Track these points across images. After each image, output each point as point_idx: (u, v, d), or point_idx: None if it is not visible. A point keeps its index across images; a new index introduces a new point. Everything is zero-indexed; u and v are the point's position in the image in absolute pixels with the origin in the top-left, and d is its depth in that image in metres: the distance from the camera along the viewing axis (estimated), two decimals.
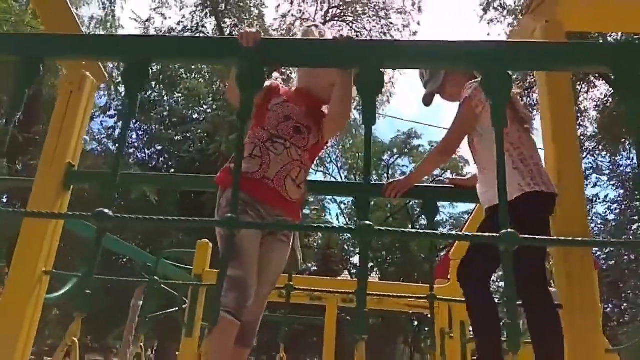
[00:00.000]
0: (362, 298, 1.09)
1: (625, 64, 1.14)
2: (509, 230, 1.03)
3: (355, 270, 23.60)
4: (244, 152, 1.88)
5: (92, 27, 16.20)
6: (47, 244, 2.24)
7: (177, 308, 5.04)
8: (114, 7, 16.90)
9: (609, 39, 12.85)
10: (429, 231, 1.14)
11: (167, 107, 18.09)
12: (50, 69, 10.95)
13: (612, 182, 18.71)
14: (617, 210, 18.91)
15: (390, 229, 1.09)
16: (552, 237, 1.31)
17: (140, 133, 17.87)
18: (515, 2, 16.27)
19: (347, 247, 24.83)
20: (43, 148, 2.36)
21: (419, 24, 19.85)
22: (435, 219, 2.34)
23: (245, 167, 1.85)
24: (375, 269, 24.07)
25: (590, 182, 18.31)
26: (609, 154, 18.18)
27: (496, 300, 2.09)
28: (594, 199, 18.72)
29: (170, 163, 17.62)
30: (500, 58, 1.19)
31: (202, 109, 18.49)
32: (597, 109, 16.99)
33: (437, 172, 20.27)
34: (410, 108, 41.03)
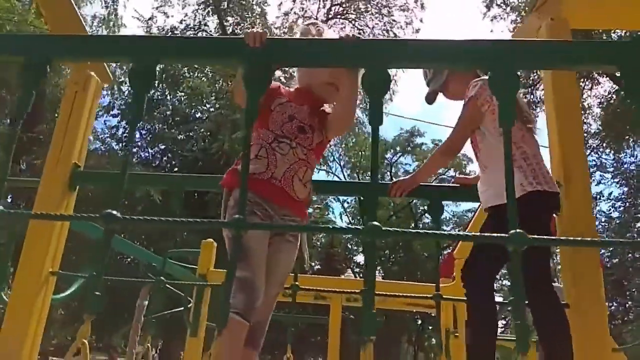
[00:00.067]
0: (370, 298, 1.09)
1: (633, 63, 1.14)
2: (518, 230, 1.02)
3: (358, 269, 23.61)
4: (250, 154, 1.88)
5: (95, 26, 16.22)
6: (54, 244, 2.25)
7: (182, 308, 5.05)
8: (117, 5, 16.93)
9: (613, 35, 12.79)
10: (437, 232, 1.14)
11: (170, 106, 18.11)
12: (54, 69, 10.99)
13: (616, 180, 18.68)
14: (621, 208, 18.86)
15: (398, 229, 1.08)
16: (562, 237, 1.30)
17: (144, 132, 17.89)
18: None
19: (350, 246, 24.84)
20: (49, 148, 2.36)
21: (421, 21, 19.90)
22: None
23: (252, 168, 1.84)
24: (379, 268, 24.08)
25: (594, 180, 18.26)
26: (612, 151, 18.12)
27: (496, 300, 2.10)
28: (598, 196, 18.69)
29: (173, 162, 17.63)
30: (510, 57, 1.19)
31: (205, 107, 18.50)
32: (600, 106, 16.94)
33: (440, 170, 20.23)
34: (413, 106, 40.97)
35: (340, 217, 24.49)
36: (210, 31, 18.66)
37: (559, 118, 2.00)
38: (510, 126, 1.16)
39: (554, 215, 2.03)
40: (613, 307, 18.68)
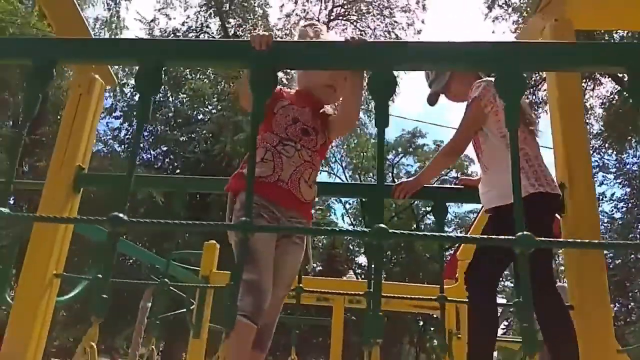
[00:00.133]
0: (377, 300, 1.09)
1: None
2: (525, 232, 1.02)
3: (360, 271, 23.57)
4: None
5: (97, 28, 16.27)
6: (58, 247, 2.25)
7: (184, 309, 5.05)
8: (119, 7, 16.97)
9: (615, 36, 12.79)
10: (444, 234, 1.14)
11: (172, 108, 18.12)
12: (56, 71, 10.98)
13: (618, 181, 18.62)
14: (624, 209, 18.81)
15: (404, 232, 1.08)
16: (569, 240, 1.30)
17: (146, 134, 17.90)
18: (520, 0, 16.22)
19: (352, 247, 24.81)
20: (53, 151, 2.36)
21: (423, 22, 19.85)
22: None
23: (257, 172, 1.84)
24: None
25: (596, 181, 18.22)
26: (615, 152, 18.09)
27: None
28: (601, 197, 18.62)
29: (175, 164, 17.65)
30: (515, 59, 1.19)
31: (207, 109, 18.52)
32: (603, 106, 16.93)
33: (442, 171, 20.22)
34: (415, 107, 40.95)
35: (342, 219, 24.48)
36: (212, 33, 18.69)
37: (563, 119, 2.00)
38: (516, 127, 1.15)
39: (557, 216, 2.03)
40: (615, 309, 18.62)
